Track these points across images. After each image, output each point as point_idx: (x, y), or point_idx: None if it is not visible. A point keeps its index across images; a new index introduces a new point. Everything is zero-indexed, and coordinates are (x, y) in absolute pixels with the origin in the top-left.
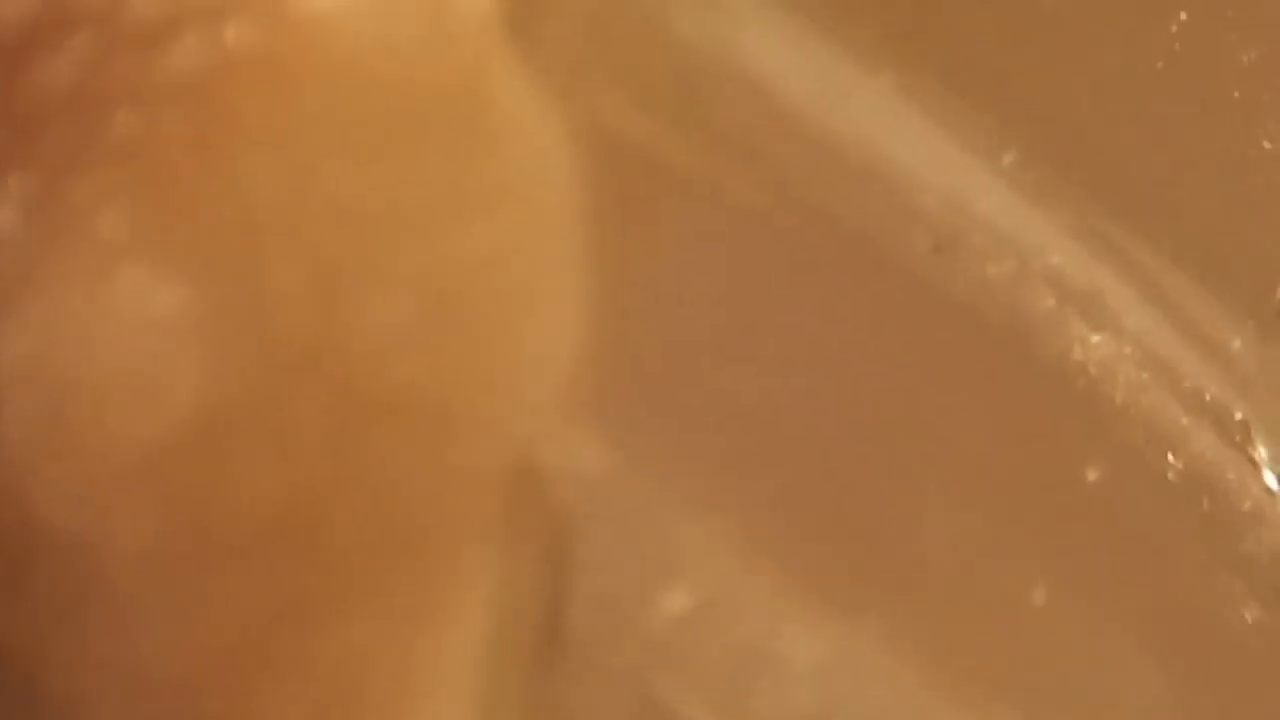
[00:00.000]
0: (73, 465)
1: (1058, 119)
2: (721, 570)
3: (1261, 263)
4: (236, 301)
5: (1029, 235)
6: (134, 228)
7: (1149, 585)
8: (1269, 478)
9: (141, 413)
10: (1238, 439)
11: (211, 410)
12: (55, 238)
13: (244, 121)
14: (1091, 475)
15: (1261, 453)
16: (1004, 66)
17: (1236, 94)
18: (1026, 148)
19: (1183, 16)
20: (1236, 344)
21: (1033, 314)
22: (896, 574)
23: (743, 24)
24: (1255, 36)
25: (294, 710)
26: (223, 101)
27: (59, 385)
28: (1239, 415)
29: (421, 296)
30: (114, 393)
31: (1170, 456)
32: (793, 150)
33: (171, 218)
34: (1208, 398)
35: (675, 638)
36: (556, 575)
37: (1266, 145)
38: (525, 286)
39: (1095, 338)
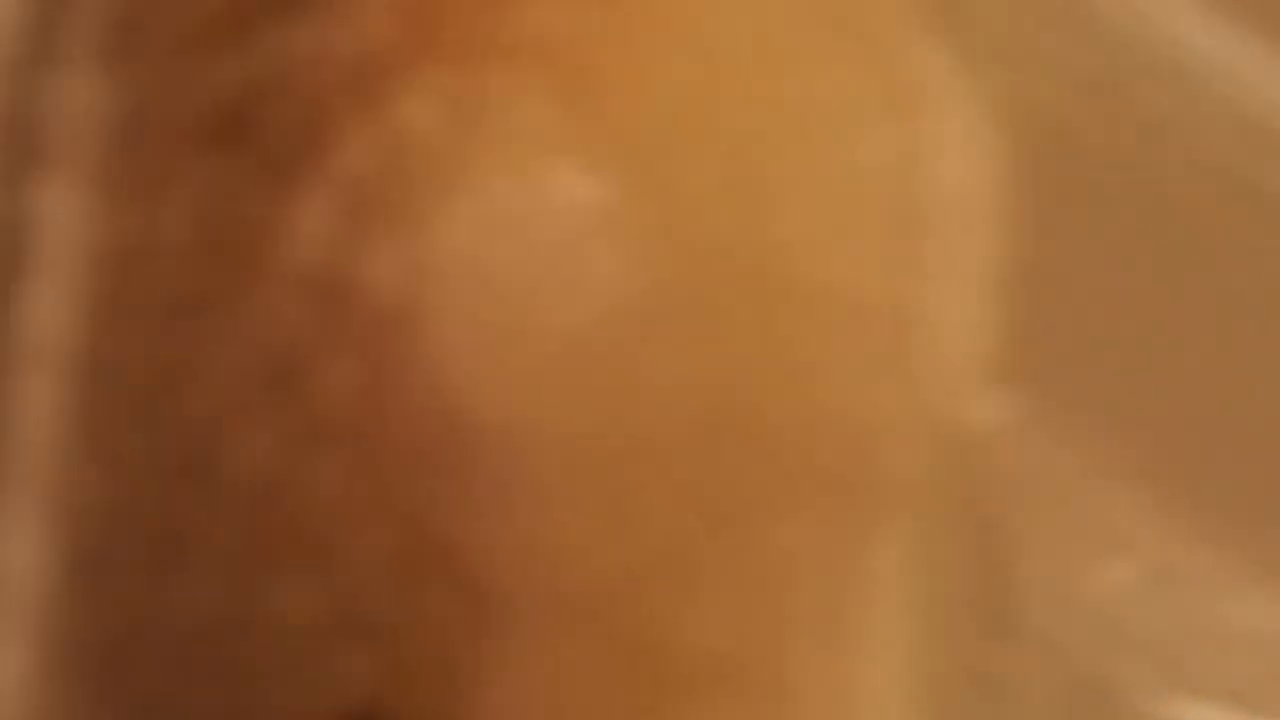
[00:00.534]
0: (503, 358)
1: None
2: (1166, 541)
3: None
4: (653, 196)
5: None
6: (555, 123)
7: None
8: None
9: (569, 306)
10: None
11: (634, 301)
12: (477, 132)
13: (659, 15)
14: None
15: None
16: None
17: None
18: None
19: None
20: None
21: None
22: None
23: (1161, 3)
24: None
25: (718, 619)
26: None
27: (489, 280)
28: None
29: (831, 198)
30: (542, 288)
31: None
32: (1211, 126)
33: (590, 112)
34: None
35: (1118, 610)
36: (993, 544)
37: None
38: (935, 198)
39: None
